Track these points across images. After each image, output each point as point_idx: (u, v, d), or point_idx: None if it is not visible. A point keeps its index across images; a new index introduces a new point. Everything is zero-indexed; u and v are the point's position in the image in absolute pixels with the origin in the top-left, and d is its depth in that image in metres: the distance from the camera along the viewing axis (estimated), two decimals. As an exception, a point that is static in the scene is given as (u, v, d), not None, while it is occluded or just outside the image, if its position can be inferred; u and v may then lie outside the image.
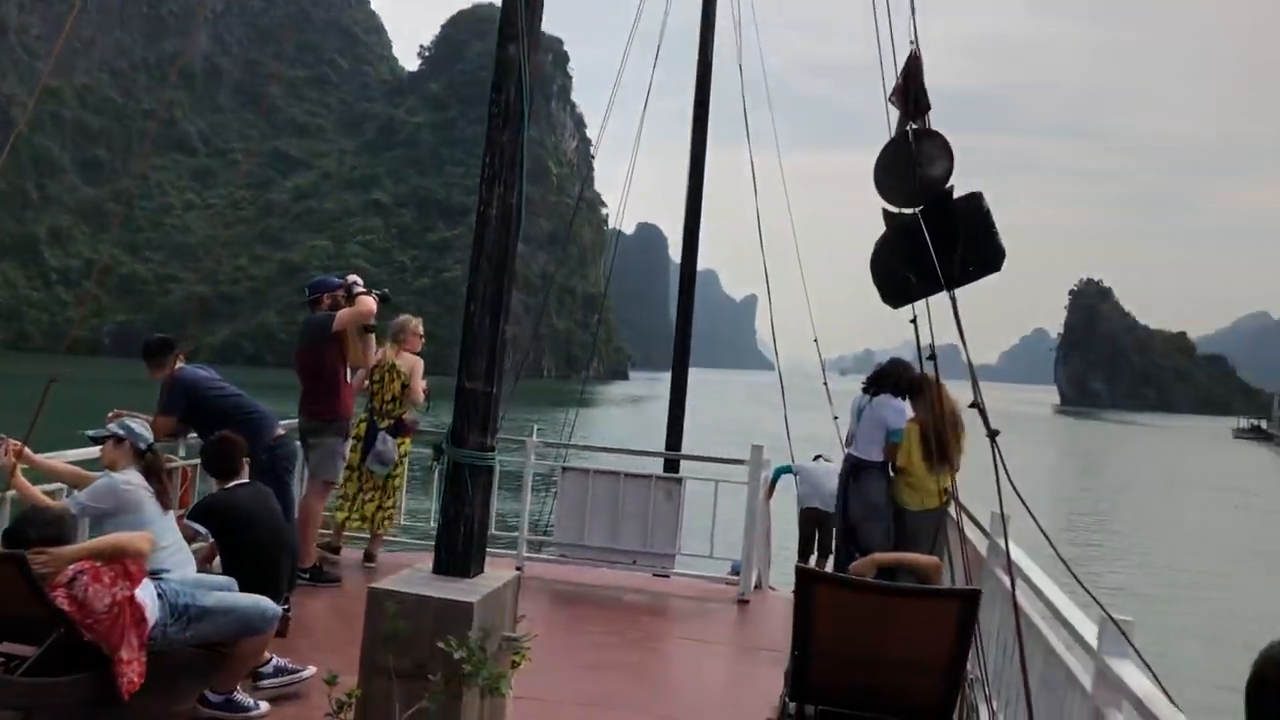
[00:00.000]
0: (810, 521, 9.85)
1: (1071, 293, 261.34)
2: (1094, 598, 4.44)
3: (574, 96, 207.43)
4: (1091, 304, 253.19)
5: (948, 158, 4.53)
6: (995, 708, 5.95)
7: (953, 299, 4.79)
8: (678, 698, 6.52)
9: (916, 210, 4.63)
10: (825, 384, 10.02)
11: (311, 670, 5.62)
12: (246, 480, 5.95)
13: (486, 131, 5.06)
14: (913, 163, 4.57)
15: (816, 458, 10.42)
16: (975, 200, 4.56)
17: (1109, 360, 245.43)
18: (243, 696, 5.23)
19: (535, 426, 9.52)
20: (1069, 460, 70.50)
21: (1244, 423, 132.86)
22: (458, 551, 4.97)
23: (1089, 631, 4.60)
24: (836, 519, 7.51)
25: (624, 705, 6.21)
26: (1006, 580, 5.83)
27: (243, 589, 5.31)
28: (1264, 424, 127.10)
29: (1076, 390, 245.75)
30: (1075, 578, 4.60)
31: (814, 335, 10.35)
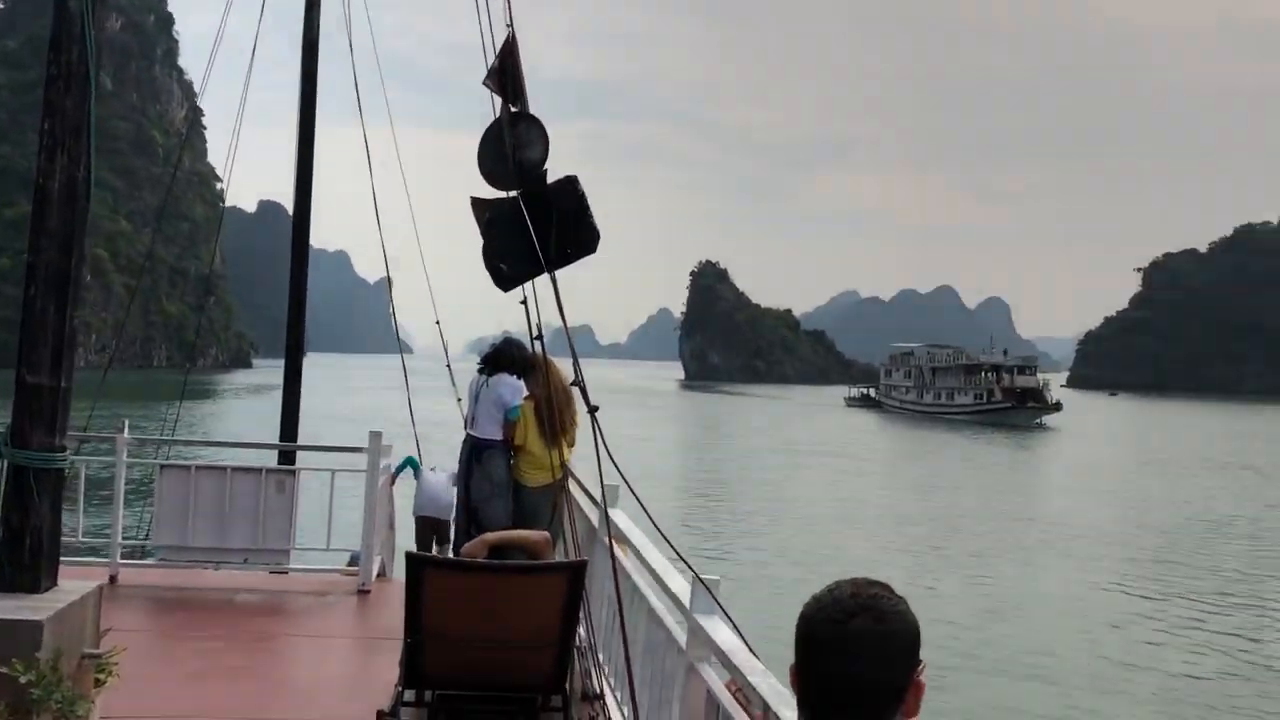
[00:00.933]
0: (427, 528, 9.75)
1: (692, 274, 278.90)
2: (682, 558, 4.74)
3: (182, 62, 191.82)
4: (710, 284, 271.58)
5: (543, 142, 4.61)
6: (607, 673, 6.21)
7: (553, 280, 4.91)
8: (290, 697, 6.26)
9: (516, 194, 4.68)
10: (449, 366, 9.97)
11: None
12: None
13: (44, 95, 4.56)
14: (511, 146, 4.60)
15: (431, 469, 10.27)
16: (570, 184, 4.69)
17: (726, 336, 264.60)
18: None
19: (126, 421, 8.72)
20: (694, 432, 74.40)
21: (854, 391, 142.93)
22: (24, 565, 4.50)
23: (684, 592, 4.89)
24: (460, 501, 7.49)
25: (231, 712, 5.86)
26: (614, 549, 6.10)
27: None
28: (872, 392, 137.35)
29: (698, 365, 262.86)
30: (667, 540, 4.89)
31: (436, 317, 10.27)
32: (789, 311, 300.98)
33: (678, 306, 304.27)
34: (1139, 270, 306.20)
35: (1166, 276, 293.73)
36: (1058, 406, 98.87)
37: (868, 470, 49.63)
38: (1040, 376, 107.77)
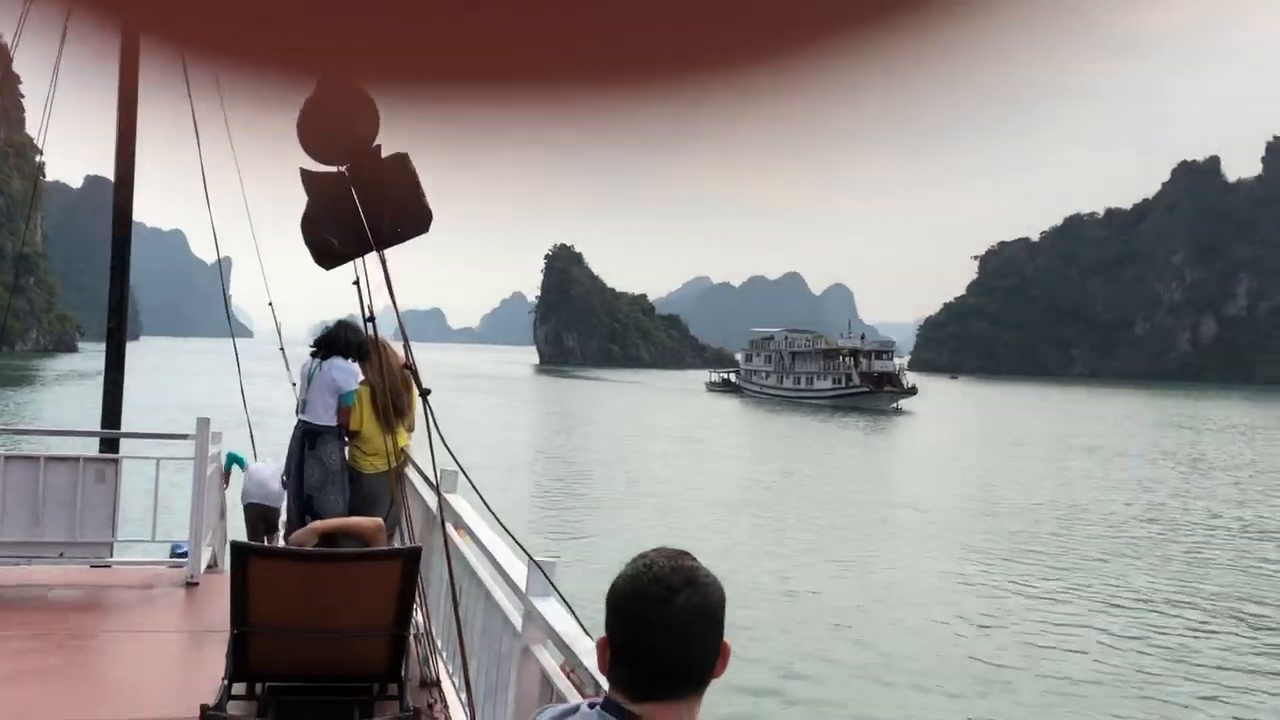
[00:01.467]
0: (256, 516, 9.44)
1: (547, 257, 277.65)
2: (517, 541, 4.71)
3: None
4: (565, 268, 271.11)
5: (373, 116, 4.46)
6: (444, 659, 6.14)
7: (383, 260, 4.79)
8: (111, 696, 5.96)
9: (343, 169, 4.53)
10: (282, 350, 9.62)
11: None
12: None
13: None
14: (338, 119, 4.44)
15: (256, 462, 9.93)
16: (402, 161, 4.56)
17: (581, 320, 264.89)
18: None
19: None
20: (551, 418, 72.80)
21: (715, 376, 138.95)
22: None
23: (520, 575, 4.86)
24: (291, 489, 7.25)
25: (46, 714, 5.54)
26: (451, 535, 6.03)
27: None
28: (733, 377, 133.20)
29: (554, 349, 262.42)
30: (501, 524, 4.85)
31: (269, 299, 9.88)
32: (644, 296, 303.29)
33: (532, 290, 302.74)
34: (976, 258, 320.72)
35: (1001, 264, 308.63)
36: (913, 391, 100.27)
37: (726, 456, 49.04)
38: (896, 360, 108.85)
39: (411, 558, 5.19)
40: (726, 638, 1.93)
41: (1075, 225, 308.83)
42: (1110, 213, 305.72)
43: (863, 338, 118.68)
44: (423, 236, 4.81)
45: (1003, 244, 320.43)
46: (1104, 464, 49.16)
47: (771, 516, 30.45)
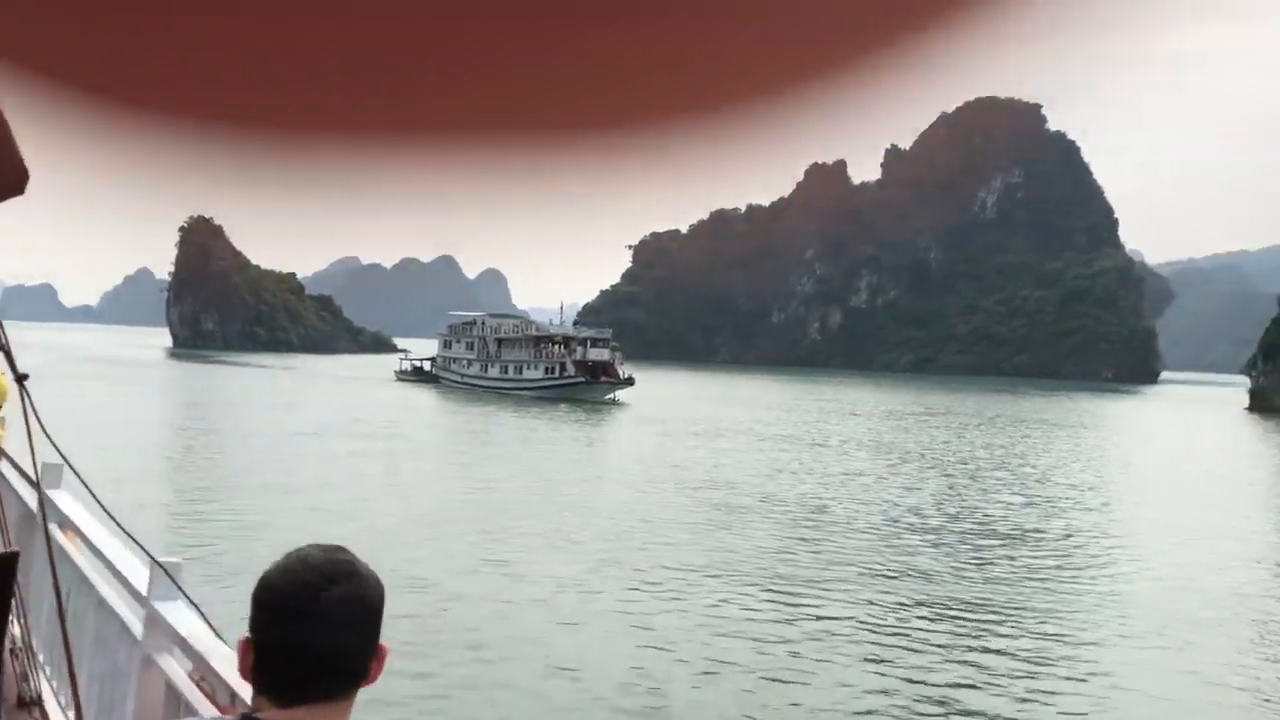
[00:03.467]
0: None
1: (182, 230, 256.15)
2: (136, 541, 4.30)
3: None
4: (203, 241, 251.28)
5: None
6: (48, 674, 5.51)
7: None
8: None
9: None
10: None
11: None
12: None
13: None
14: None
15: None
16: (-9, 112, 3.97)
17: (222, 300, 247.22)
18: None
19: None
20: (195, 410, 66.94)
21: (406, 364, 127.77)
22: None
23: (141, 578, 4.46)
24: None
25: None
26: (56, 536, 5.42)
27: None
28: (427, 365, 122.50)
29: (190, 332, 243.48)
30: (116, 521, 4.43)
31: None
32: (292, 275, 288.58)
33: (162, 266, 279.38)
34: (630, 248, 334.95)
35: (653, 255, 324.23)
36: (630, 381, 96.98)
37: (421, 456, 44.81)
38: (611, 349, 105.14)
39: (4, 564, 4.56)
40: (385, 640, 1.85)
41: (721, 220, 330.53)
42: (751, 209, 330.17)
43: (575, 323, 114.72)
44: (27, 202, 4.23)
45: (655, 234, 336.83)
46: (812, 455, 50.56)
47: (475, 530, 27.23)
